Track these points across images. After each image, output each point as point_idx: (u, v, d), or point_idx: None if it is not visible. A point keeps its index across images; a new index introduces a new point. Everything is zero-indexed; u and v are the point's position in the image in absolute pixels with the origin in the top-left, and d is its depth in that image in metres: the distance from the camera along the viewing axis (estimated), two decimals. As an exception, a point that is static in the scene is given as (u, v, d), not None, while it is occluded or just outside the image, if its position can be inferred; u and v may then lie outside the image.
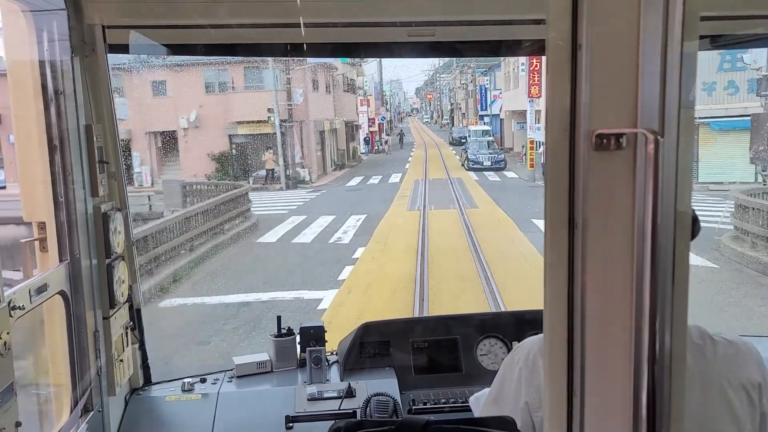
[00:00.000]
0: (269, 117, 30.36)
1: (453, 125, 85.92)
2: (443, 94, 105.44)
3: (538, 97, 29.22)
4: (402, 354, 3.03)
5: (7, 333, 1.67)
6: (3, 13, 2.18)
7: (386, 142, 57.00)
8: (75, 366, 2.32)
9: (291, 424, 2.57)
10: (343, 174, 36.56)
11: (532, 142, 28.87)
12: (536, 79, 28.71)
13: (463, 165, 36.33)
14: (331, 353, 3.09)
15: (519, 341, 1.74)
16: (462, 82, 76.95)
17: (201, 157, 31.75)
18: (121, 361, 2.55)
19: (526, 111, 40.74)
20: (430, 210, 20.51)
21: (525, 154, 36.26)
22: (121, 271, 2.53)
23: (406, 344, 3.04)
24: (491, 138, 41.18)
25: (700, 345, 1.49)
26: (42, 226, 2.26)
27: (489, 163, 33.93)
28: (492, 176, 31.39)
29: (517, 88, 40.15)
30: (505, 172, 32.46)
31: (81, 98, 2.29)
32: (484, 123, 56.33)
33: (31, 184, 2.25)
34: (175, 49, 3.21)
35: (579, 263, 0.91)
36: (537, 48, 2.85)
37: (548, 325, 0.97)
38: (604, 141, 0.87)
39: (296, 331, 3.03)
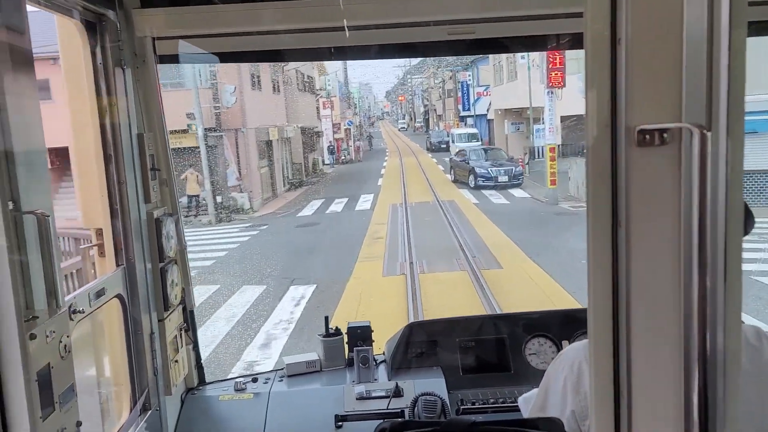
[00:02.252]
0: (190, 125, 21.98)
1: (428, 129, 78.63)
2: (416, 96, 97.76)
3: (561, 87, 21.26)
4: (449, 353, 3.03)
5: (67, 336, 1.70)
6: (59, 29, 2.33)
7: (357, 149, 49.07)
8: (133, 367, 2.45)
9: (340, 423, 2.65)
10: (299, 196, 28.32)
11: (553, 149, 20.94)
12: (558, 62, 20.72)
13: (455, 181, 28.05)
14: (381, 353, 3.16)
15: (569, 340, 1.88)
16: (437, 81, 69.32)
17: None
18: (176, 361, 2.67)
19: (524, 108, 33.17)
20: (421, 272, 12.35)
21: (527, 163, 28.58)
22: (174, 275, 2.66)
23: (453, 344, 3.04)
24: (493, 146, 32.95)
25: (756, 346, 1.44)
26: (99, 232, 2.40)
27: (506, 179, 25.28)
28: (495, 196, 23.33)
29: (513, 81, 32.31)
30: (511, 191, 24.44)
31: (133, 108, 2.43)
32: (465, 124, 48.67)
33: (89, 192, 2.40)
34: (223, 56, 3.09)
35: (623, 263, 0.88)
36: (577, 42, 2.71)
37: (593, 327, 0.94)
38: (647, 137, 0.84)
39: (344, 330, 3.10)
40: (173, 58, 2.79)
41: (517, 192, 24.09)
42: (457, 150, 31.23)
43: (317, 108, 42.02)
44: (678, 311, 0.86)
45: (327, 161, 42.86)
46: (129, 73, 2.42)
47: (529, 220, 18.03)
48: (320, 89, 44.47)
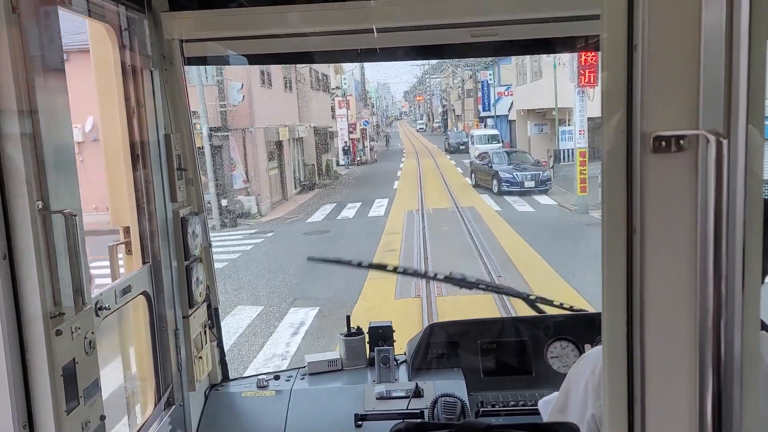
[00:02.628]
0: (194, 124, 20.64)
1: (446, 129, 76.88)
2: (434, 96, 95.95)
3: (594, 86, 19.57)
4: (470, 355, 3.03)
5: (92, 333, 1.74)
6: (90, 32, 2.36)
7: (372, 149, 47.59)
8: (158, 363, 2.50)
9: (360, 423, 2.68)
10: (311, 199, 26.93)
11: (584, 153, 19.26)
12: (588, 59, 19.03)
13: (476, 185, 26.26)
14: (402, 353, 3.15)
15: (591, 344, 1.78)
16: (455, 81, 67.55)
17: (102, 182, 21.95)
18: (200, 358, 2.72)
19: (548, 109, 31.49)
20: (439, 295, 10.81)
21: (551, 167, 26.87)
22: (199, 272, 2.71)
23: (474, 345, 3.04)
24: (517, 149, 31.14)
25: None
26: (127, 230, 2.44)
27: (532, 184, 23.34)
28: (519, 203, 21.70)
29: (538, 80, 30.63)
30: (536, 197, 22.77)
31: (160, 109, 2.48)
32: (485, 125, 46.98)
33: (118, 191, 2.43)
34: (251, 59, 3.17)
35: (637, 269, 0.88)
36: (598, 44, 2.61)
37: (607, 333, 0.95)
38: (663, 143, 0.84)
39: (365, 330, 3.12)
40: (201, 60, 2.93)
41: (542, 199, 22.39)
42: (479, 152, 29.44)
43: (332, 107, 40.63)
44: (693, 319, 0.85)
45: (342, 162, 41.47)
46: (157, 74, 2.47)
47: (558, 232, 16.39)
48: (336, 88, 43.06)
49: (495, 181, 24.02)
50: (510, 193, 22.99)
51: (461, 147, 47.42)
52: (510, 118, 42.04)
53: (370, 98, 71.29)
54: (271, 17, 2.43)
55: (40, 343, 1.51)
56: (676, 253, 0.86)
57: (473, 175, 27.16)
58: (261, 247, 16.73)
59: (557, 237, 15.52)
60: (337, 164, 39.98)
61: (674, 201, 0.85)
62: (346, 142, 42.55)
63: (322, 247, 16.15)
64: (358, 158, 44.00)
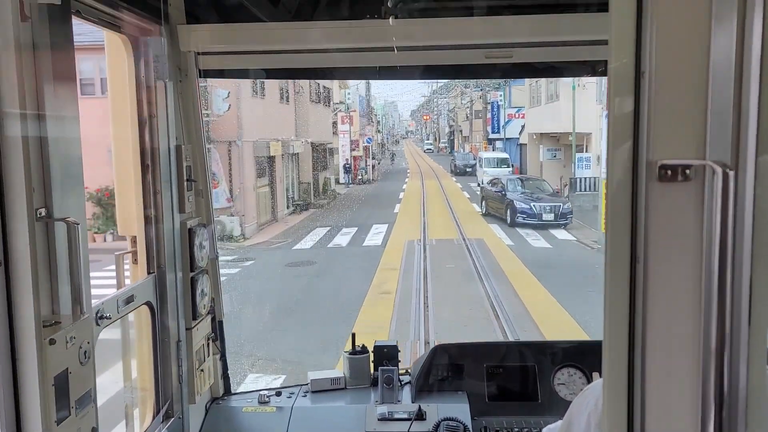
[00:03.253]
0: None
1: (452, 150, 74.60)
2: (441, 116, 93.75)
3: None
4: (475, 379, 3.01)
5: (88, 342, 1.73)
6: (107, 42, 2.43)
7: (374, 168, 45.43)
8: (158, 374, 2.49)
9: None
10: (303, 221, 24.60)
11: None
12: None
13: (486, 214, 23.73)
14: (405, 372, 3.13)
15: (600, 372, 1.65)
16: (464, 101, 65.46)
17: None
18: (202, 370, 2.71)
19: (564, 134, 29.22)
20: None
21: (566, 196, 24.45)
22: (204, 284, 2.71)
23: (480, 369, 3.01)
24: (533, 176, 28.57)
25: None
26: (134, 239, 2.46)
27: (551, 217, 20.70)
28: (533, 237, 19.26)
29: (554, 102, 28.39)
30: (553, 231, 20.31)
31: (172, 120, 2.50)
32: (493, 148, 44.76)
33: (126, 200, 2.47)
34: (267, 73, 3.13)
35: (640, 299, 0.86)
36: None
37: (607, 364, 0.93)
38: (669, 172, 0.82)
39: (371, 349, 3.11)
40: (216, 73, 2.92)
41: (559, 233, 19.95)
42: (490, 177, 26.90)
43: (334, 122, 38.43)
44: (697, 352, 0.83)
45: (342, 180, 39.22)
46: (171, 86, 2.48)
47: (582, 277, 13.92)
48: (339, 103, 40.93)
49: (508, 211, 21.47)
50: (524, 225, 20.55)
51: (468, 169, 45.19)
52: (520, 141, 39.80)
53: (375, 115, 69.21)
54: (287, 33, 2.48)
55: (32, 351, 1.50)
56: (680, 284, 0.83)
57: (483, 203, 24.61)
58: (234, 281, 14.29)
59: (584, 285, 13.04)
60: (337, 182, 37.66)
61: (679, 231, 0.83)
62: (347, 159, 40.30)
63: (304, 284, 13.75)
64: (360, 176, 41.73)
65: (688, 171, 0.81)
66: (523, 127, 38.99)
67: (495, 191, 23.38)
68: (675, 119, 0.82)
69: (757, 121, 0.78)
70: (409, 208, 26.71)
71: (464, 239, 18.60)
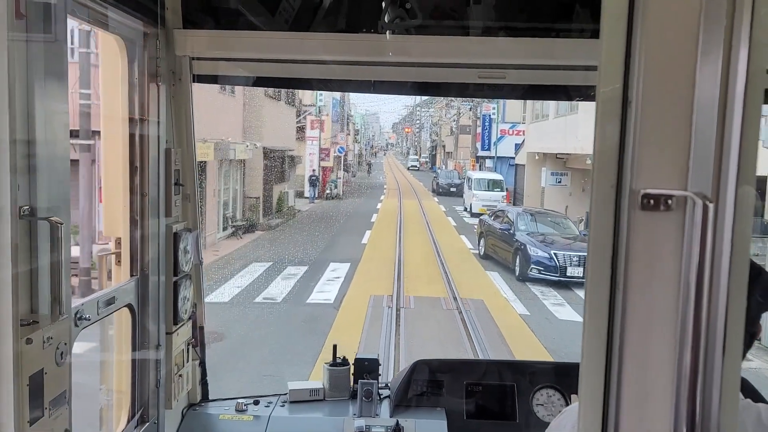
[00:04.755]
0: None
1: (434, 166, 69.09)
2: (423, 129, 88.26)
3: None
4: (454, 396, 3.01)
5: (65, 343, 1.72)
6: (101, 43, 2.44)
7: (346, 181, 39.77)
8: (136, 377, 2.46)
9: None
10: (243, 248, 18.75)
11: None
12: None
13: (485, 257, 17.74)
14: (385, 386, 3.12)
15: (578, 395, 1.52)
16: (449, 115, 60.19)
17: None
18: (181, 375, 2.69)
19: (576, 156, 23.86)
20: None
21: (585, 235, 18.88)
22: (187, 290, 2.69)
23: (460, 386, 3.02)
24: (548, 210, 22.25)
25: None
26: (119, 241, 2.41)
27: (580, 272, 14.34)
28: (554, 300, 13.45)
29: (572, 115, 22.91)
30: (578, 290, 14.59)
31: (164, 123, 2.48)
32: (481, 167, 39.39)
33: (113, 201, 2.43)
34: (260, 81, 3.18)
35: (618, 327, 0.87)
36: None
37: (584, 386, 0.94)
38: (652, 201, 0.84)
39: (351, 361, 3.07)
40: (209, 78, 2.93)
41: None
42: (496, 210, 20.13)
43: (301, 127, 32.64)
44: (671, 381, 0.84)
45: (307, 194, 33.37)
46: (164, 89, 2.47)
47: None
48: (310, 105, 35.17)
49: (519, 258, 15.41)
50: (540, 281, 14.80)
51: (452, 189, 39.61)
52: (516, 161, 34.41)
53: (354, 124, 63.56)
54: (283, 42, 2.48)
55: (8, 350, 1.49)
56: (657, 311, 0.85)
57: (483, 240, 18.46)
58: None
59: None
60: (299, 197, 31.77)
61: (659, 260, 0.84)
62: (314, 170, 34.42)
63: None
64: (328, 191, 35.90)
65: (670, 201, 0.82)
66: (518, 145, 33.66)
67: (500, 228, 17.19)
68: (659, 149, 0.83)
69: (738, 155, 0.79)
70: (381, 241, 20.73)
71: (456, 300, 12.79)
